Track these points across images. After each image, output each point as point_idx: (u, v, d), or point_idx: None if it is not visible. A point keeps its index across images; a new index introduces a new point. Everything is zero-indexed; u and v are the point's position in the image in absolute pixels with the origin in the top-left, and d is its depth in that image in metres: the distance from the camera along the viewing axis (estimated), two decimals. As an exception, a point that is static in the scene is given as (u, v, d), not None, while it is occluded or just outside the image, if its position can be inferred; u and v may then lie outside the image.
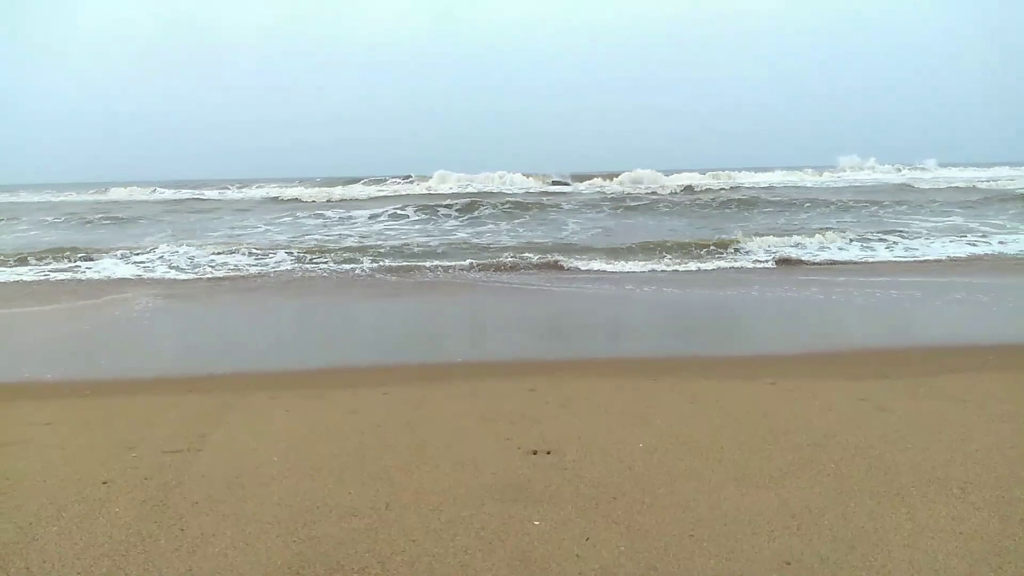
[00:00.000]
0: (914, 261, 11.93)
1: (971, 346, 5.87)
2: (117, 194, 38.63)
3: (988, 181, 31.94)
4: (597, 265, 11.58)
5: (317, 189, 33.95)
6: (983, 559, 2.48)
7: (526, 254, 12.58)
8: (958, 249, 12.83)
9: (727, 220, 18.68)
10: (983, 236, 14.15)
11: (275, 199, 30.44)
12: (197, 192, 38.92)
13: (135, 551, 2.65)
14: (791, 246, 13.03)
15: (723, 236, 14.13)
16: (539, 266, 11.61)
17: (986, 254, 12.32)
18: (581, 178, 36.98)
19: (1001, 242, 13.42)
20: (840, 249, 12.94)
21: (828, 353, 5.79)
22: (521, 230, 17.45)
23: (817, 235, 13.75)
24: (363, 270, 11.64)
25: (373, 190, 34.26)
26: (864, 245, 13.33)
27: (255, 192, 37.44)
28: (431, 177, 37.12)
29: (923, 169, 46.05)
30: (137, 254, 13.35)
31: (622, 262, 11.81)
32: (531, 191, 31.22)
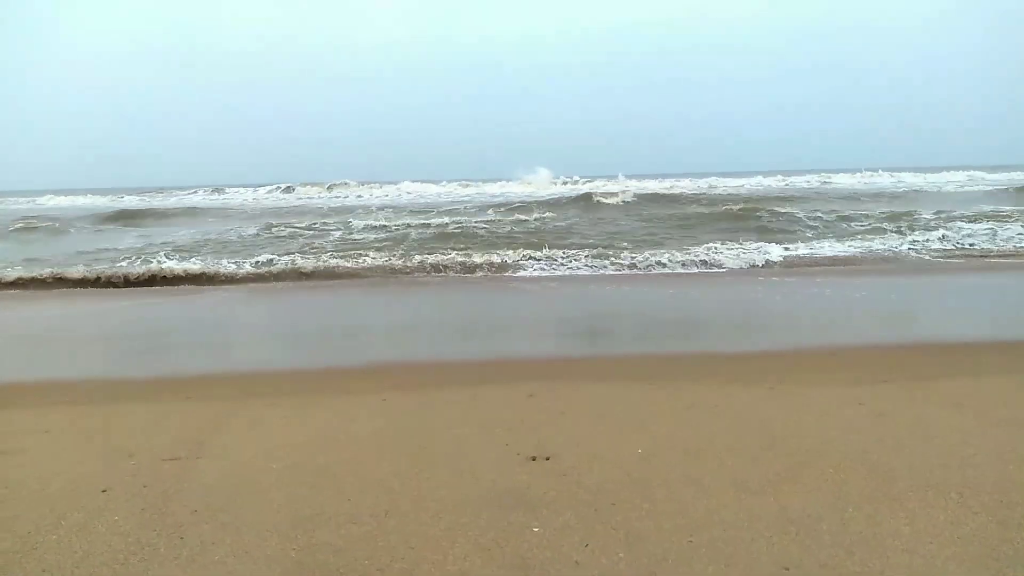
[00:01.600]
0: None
1: (970, 346, 5.88)
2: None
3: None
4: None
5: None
6: (981, 564, 2.49)
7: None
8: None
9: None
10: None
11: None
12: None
13: (134, 559, 2.65)
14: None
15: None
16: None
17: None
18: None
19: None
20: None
21: (827, 357, 5.79)
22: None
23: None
24: (358, 270, 11.67)
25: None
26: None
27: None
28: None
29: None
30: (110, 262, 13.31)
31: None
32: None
